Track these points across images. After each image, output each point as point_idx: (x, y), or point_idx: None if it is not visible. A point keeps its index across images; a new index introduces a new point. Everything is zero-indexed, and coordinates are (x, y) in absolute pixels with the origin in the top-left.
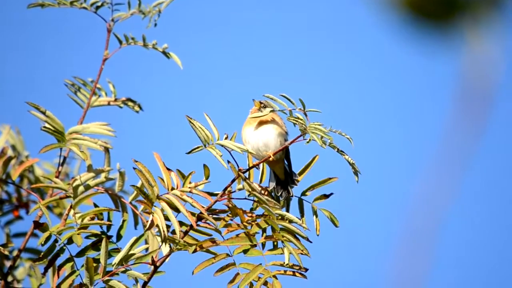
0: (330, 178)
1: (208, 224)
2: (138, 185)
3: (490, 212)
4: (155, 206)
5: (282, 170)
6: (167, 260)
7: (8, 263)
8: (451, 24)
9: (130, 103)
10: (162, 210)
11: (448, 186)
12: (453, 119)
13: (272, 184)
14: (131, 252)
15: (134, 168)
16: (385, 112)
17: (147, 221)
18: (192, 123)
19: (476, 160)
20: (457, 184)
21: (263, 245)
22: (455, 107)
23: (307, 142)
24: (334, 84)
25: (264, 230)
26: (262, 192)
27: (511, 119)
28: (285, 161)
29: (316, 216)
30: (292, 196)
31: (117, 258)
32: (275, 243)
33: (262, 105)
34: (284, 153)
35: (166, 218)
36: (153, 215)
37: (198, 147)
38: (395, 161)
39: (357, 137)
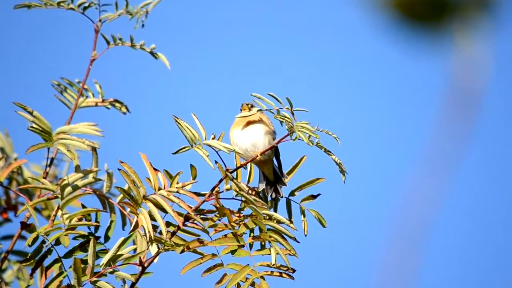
0: (317, 179)
1: (196, 224)
2: (126, 187)
3: (480, 213)
4: (141, 207)
5: (271, 170)
6: (155, 260)
7: None
8: (440, 26)
9: (117, 105)
10: (149, 211)
11: (436, 187)
12: (442, 121)
13: (262, 185)
14: (119, 252)
15: (119, 170)
16: (373, 112)
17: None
18: (179, 123)
19: (465, 162)
20: (445, 185)
21: (251, 245)
22: (444, 108)
23: (293, 139)
24: (323, 85)
25: (251, 231)
26: (250, 192)
27: (499, 121)
28: (275, 162)
29: (304, 216)
30: (282, 197)
31: (104, 259)
32: (263, 243)
33: (249, 106)
34: (273, 153)
35: (153, 219)
36: (137, 217)
37: (184, 147)
38: (383, 161)
39: (344, 136)
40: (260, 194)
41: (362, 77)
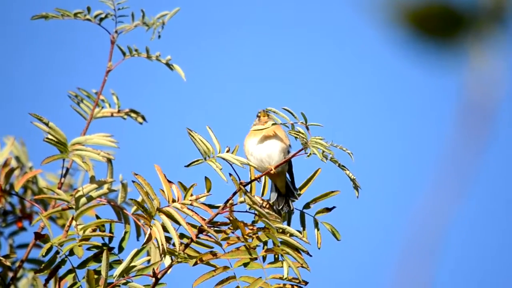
0: (332, 192)
1: (209, 236)
2: (139, 199)
3: (492, 227)
4: (154, 219)
5: (284, 183)
6: (168, 272)
7: (11, 274)
8: (454, 41)
9: (133, 115)
10: (162, 223)
11: (450, 201)
12: (455, 135)
13: (274, 196)
14: (132, 264)
15: (134, 182)
16: (387, 126)
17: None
18: (192, 136)
19: (478, 176)
20: (459, 199)
21: (264, 258)
22: (458, 123)
23: (308, 156)
24: (335, 98)
25: (265, 243)
26: (263, 205)
27: None
28: (287, 175)
29: (318, 229)
30: (292, 210)
31: (118, 269)
32: (276, 256)
33: (267, 113)
34: (287, 166)
35: (167, 230)
36: (151, 229)
37: (197, 160)
38: (397, 175)
39: (358, 150)
40: (274, 207)
41: (375, 92)
